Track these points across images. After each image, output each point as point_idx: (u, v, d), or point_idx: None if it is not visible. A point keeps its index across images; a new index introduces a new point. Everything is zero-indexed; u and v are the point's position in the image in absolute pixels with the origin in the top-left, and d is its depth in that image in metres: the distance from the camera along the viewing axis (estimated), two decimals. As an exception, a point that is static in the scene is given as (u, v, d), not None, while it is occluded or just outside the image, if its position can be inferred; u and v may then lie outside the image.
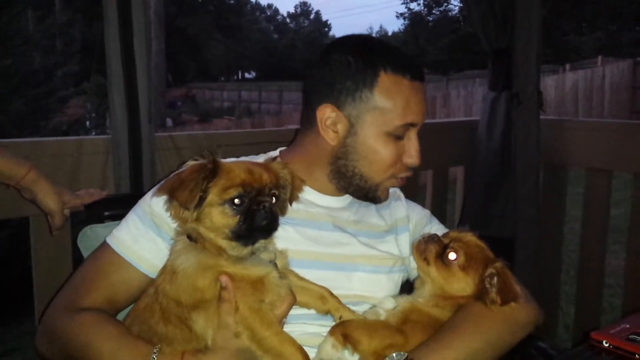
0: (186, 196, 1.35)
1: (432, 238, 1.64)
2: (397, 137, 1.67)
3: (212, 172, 1.38)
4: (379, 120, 1.65)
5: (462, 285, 1.56)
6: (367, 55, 1.66)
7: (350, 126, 1.67)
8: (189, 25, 43.01)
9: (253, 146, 2.81)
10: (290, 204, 1.55)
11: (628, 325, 1.62)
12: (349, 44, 1.73)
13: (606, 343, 1.56)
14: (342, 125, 1.68)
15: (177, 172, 1.45)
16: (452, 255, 1.57)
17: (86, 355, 1.46)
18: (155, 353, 1.39)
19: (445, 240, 1.62)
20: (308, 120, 1.75)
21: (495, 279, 1.52)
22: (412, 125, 1.68)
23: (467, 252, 1.57)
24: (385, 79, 1.64)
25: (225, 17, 50.69)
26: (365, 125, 1.66)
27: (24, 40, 9.20)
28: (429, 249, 1.61)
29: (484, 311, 1.53)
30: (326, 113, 1.68)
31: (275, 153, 1.86)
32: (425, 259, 1.61)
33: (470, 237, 1.62)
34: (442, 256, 1.58)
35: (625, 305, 3.41)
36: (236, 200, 1.37)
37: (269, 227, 1.42)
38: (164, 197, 1.45)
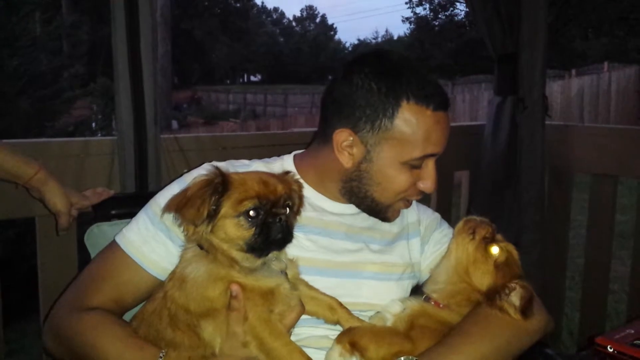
0: (193, 214, 1.34)
1: (488, 222, 1.65)
2: (413, 166, 1.64)
3: (221, 185, 1.37)
4: (397, 150, 1.61)
5: (485, 278, 1.57)
6: (390, 82, 1.59)
7: (366, 152, 1.64)
8: (194, 28, 43.12)
9: (258, 149, 2.84)
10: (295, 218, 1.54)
11: (633, 331, 1.62)
12: (373, 67, 1.63)
13: (610, 348, 1.56)
14: (358, 150, 1.64)
15: (183, 188, 1.45)
16: (495, 250, 1.58)
17: (92, 355, 1.46)
18: (161, 357, 1.39)
19: (496, 235, 1.64)
20: (324, 136, 1.72)
21: (517, 293, 1.52)
22: (431, 156, 1.65)
23: (508, 256, 1.59)
24: (406, 109, 1.58)
25: (231, 20, 50.76)
26: (382, 154, 1.62)
27: (31, 41, 9.25)
28: (483, 227, 1.61)
29: (493, 317, 1.53)
30: (343, 137, 1.65)
31: (289, 157, 1.84)
32: (472, 233, 1.61)
33: (513, 249, 1.63)
34: (486, 243, 1.59)
35: (630, 311, 3.40)
36: (251, 213, 1.36)
37: (284, 240, 1.42)
38: (171, 214, 1.44)
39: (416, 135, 1.59)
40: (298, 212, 1.53)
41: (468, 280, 1.59)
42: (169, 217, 1.52)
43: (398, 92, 1.58)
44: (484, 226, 1.63)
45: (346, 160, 1.66)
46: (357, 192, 1.70)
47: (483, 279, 1.57)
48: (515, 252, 1.62)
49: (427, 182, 1.67)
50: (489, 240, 1.60)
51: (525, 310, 1.51)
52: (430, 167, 1.67)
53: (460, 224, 1.68)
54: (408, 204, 1.76)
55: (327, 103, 1.71)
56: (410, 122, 1.59)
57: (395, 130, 1.59)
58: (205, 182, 1.38)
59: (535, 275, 3.43)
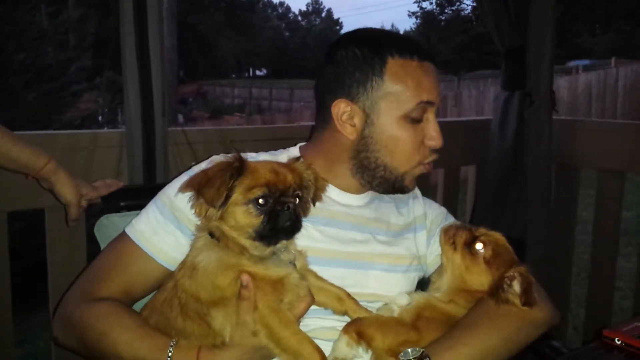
0: (213, 194, 1.35)
1: (464, 226, 1.66)
2: (414, 120, 1.65)
3: (238, 170, 1.39)
4: (394, 105, 1.64)
5: (482, 278, 1.57)
6: (371, 44, 1.66)
7: (366, 117, 1.66)
8: (200, 23, 43.08)
9: (264, 142, 2.85)
10: (313, 205, 1.55)
11: (640, 324, 1.62)
12: (353, 38, 1.73)
13: (618, 340, 1.56)
14: (359, 118, 1.67)
15: (203, 168, 1.46)
16: (479, 246, 1.58)
17: (102, 345, 1.47)
18: (172, 346, 1.40)
19: (476, 233, 1.63)
20: (323, 118, 1.74)
21: (517, 281, 1.52)
22: (428, 103, 1.66)
23: (495, 249, 1.59)
24: (393, 64, 1.63)
25: (237, 15, 50.71)
26: (381, 112, 1.65)
27: (37, 34, 9.28)
28: (459, 234, 1.63)
29: (500, 309, 1.53)
30: (341, 108, 1.67)
31: (295, 149, 1.85)
32: (454, 244, 1.62)
33: (499, 236, 1.64)
34: (469, 246, 1.60)
35: (636, 308, 3.40)
36: (260, 201, 1.37)
37: (292, 229, 1.42)
38: (189, 194, 1.45)
39: (408, 85, 1.63)
40: (317, 196, 1.55)
41: (467, 287, 1.60)
42: (181, 203, 1.54)
43: (381, 50, 1.64)
44: (461, 232, 1.64)
45: (349, 132, 1.68)
46: (367, 164, 1.70)
47: (481, 280, 1.58)
48: (502, 239, 1.63)
49: (433, 135, 1.68)
50: (470, 241, 1.60)
51: (527, 298, 1.51)
52: (431, 120, 1.69)
53: (441, 237, 1.70)
54: (426, 167, 1.75)
55: (319, 89, 1.76)
56: (399, 74, 1.63)
57: (388, 86, 1.63)
58: (225, 164, 1.40)
59: (541, 271, 3.43)
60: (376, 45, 1.66)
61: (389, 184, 1.73)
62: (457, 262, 1.60)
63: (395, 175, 1.71)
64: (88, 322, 1.50)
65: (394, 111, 1.64)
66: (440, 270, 1.70)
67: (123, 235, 1.64)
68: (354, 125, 1.68)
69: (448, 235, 1.65)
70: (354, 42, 1.69)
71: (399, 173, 1.71)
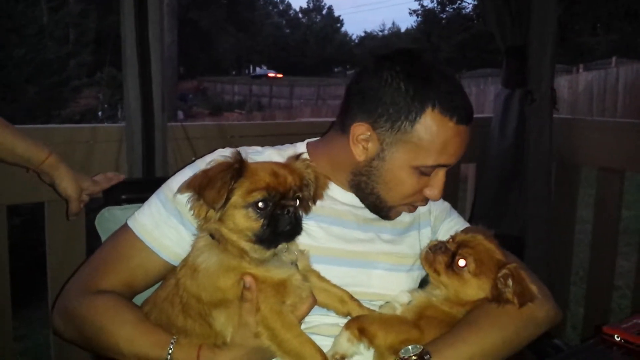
0: (214, 195, 1.34)
1: (439, 247, 1.62)
2: (423, 173, 1.63)
3: (238, 171, 1.37)
4: (411, 155, 1.60)
5: (476, 290, 1.56)
6: (419, 86, 1.58)
7: (380, 150, 1.63)
8: (201, 19, 43.03)
9: (265, 138, 2.83)
10: (314, 203, 1.53)
11: (639, 321, 1.62)
12: (405, 66, 1.61)
13: (617, 337, 1.56)
14: (373, 146, 1.64)
15: (203, 169, 1.45)
16: (461, 263, 1.55)
17: (102, 338, 1.47)
18: (172, 343, 1.40)
19: (453, 247, 1.60)
20: (342, 124, 1.72)
21: (510, 280, 1.51)
22: (443, 166, 1.64)
23: (477, 257, 1.56)
24: (430, 116, 1.57)
25: (238, 11, 50.68)
26: (396, 155, 1.62)
27: (38, 29, 9.28)
28: (438, 260, 1.59)
29: (501, 307, 1.52)
30: (360, 130, 1.64)
31: (302, 145, 1.84)
32: (435, 270, 1.59)
33: (478, 239, 1.60)
34: (451, 264, 1.57)
35: (634, 307, 3.39)
36: (260, 204, 1.36)
37: (292, 232, 1.41)
38: (190, 194, 1.43)
39: (433, 144, 1.58)
40: (318, 194, 1.53)
41: (465, 301, 1.58)
42: (184, 198, 1.51)
43: (425, 98, 1.57)
44: (437, 256, 1.60)
45: (359, 154, 1.66)
46: (364, 187, 1.70)
47: (477, 292, 1.56)
48: (481, 242, 1.59)
49: (434, 190, 1.67)
50: (451, 260, 1.57)
51: (522, 298, 1.49)
52: (439, 176, 1.66)
53: (423, 264, 1.66)
54: (412, 209, 1.76)
55: (351, 93, 1.70)
56: (431, 129, 1.58)
57: (414, 135, 1.59)
58: (226, 164, 1.38)
59: (540, 270, 3.43)
60: (423, 87, 1.57)
61: (375, 209, 1.74)
62: (447, 284, 1.58)
63: (383, 206, 1.71)
64: (88, 315, 1.50)
65: (409, 160, 1.61)
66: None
67: (125, 227, 1.63)
68: (366, 149, 1.66)
69: (428, 262, 1.62)
70: (403, 70, 1.59)
71: (388, 206, 1.71)
